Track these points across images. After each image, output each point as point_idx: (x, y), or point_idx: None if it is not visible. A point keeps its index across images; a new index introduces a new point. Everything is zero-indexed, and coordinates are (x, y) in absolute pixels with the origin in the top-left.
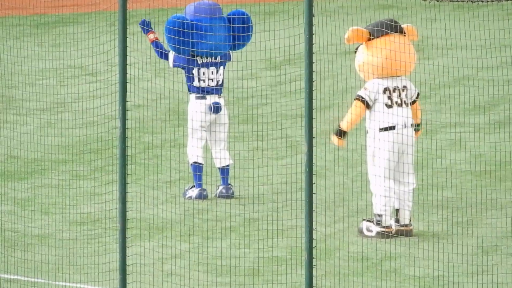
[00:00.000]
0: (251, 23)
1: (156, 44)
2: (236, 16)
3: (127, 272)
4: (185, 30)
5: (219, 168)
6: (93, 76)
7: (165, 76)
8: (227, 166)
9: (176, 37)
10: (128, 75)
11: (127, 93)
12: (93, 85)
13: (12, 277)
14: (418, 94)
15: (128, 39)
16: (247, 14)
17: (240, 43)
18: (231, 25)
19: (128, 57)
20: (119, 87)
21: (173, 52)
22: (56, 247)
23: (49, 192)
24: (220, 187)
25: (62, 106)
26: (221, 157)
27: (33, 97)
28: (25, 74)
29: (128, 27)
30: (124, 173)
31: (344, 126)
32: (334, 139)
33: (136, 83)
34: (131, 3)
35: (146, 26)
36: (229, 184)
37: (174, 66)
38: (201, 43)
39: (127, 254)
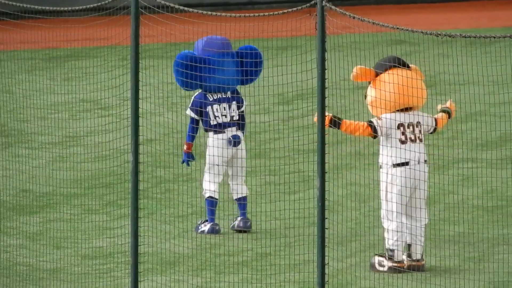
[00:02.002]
0: (261, 58)
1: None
2: (244, 51)
3: None
4: (194, 64)
5: (236, 200)
6: (105, 110)
7: (177, 110)
8: (245, 198)
9: (185, 72)
10: (140, 109)
11: (140, 127)
12: (105, 119)
13: None
14: (435, 129)
15: (140, 74)
16: (256, 49)
17: (249, 78)
18: (240, 59)
19: (140, 92)
20: (132, 121)
21: (189, 111)
22: (68, 281)
23: (61, 226)
24: (238, 219)
25: (75, 140)
26: (238, 190)
27: (45, 131)
28: (37, 107)
29: (140, 61)
30: (136, 207)
31: (343, 126)
32: (327, 118)
33: (149, 117)
34: (144, 37)
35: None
36: (247, 217)
37: (192, 107)
38: (209, 79)
39: None
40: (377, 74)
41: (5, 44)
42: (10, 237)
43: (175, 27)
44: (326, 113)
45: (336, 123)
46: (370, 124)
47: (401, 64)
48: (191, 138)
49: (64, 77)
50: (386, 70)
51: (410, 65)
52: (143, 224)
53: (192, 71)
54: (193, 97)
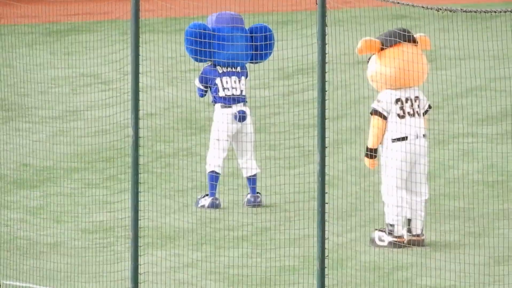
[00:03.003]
0: (273, 39)
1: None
2: (257, 28)
3: (139, 281)
4: (205, 40)
5: (246, 178)
6: (105, 84)
7: (177, 84)
8: (254, 175)
9: (196, 41)
10: (140, 84)
11: (140, 101)
12: (105, 94)
13: (24, 285)
14: (429, 106)
15: (140, 48)
16: (270, 30)
17: (261, 53)
18: (253, 35)
19: (140, 66)
20: (132, 95)
21: (197, 81)
22: (68, 255)
23: (61, 200)
24: (248, 196)
25: (75, 115)
26: (248, 167)
27: (46, 105)
28: (37, 82)
29: (140, 36)
30: (137, 181)
31: (371, 144)
32: (367, 162)
33: (149, 91)
34: (144, 12)
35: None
36: (257, 193)
37: (201, 82)
38: (220, 52)
39: (139, 263)
40: (382, 47)
41: (6, 18)
42: (11, 211)
43: (175, 1)
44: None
45: (371, 155)
46: (376, 112)
47: (409, 39)
48: (201, 94)
49: (65, 51)
50: (391, 46)
51: (419, 35)
52: (143, 198)
53: (203, 43)
54: (203, 68)
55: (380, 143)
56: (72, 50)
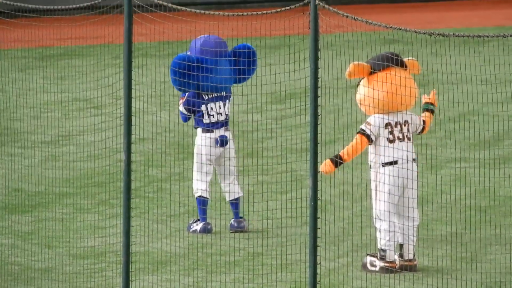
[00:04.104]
0: (256, 57)
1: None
2: (242, 50)
3: None
4: (190, 72)
5: (229, 202)
6: (98, 109)
7: (169, 109)
8: (237, 199)
9: (182, 79)
10: (133, 108)
11: (132, 126)
12: (98, 118)
13: None
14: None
15: (133, 72)
16: (252, 48)
17: (243, 77)
18: (236, 58)
19: (133, 90)
20: (124, 120)
21: (182, 105)
22: (59, 281)
23: (53, 225)
24: (232, 221)
25: (67, 139)
26: (230, 191)
27: (38, 130)
28: (30, 106)
29: (133, 60)
30: (128, 206)
31: (344, 156)
32: (325, 166)
33: (141, 116)
34: (137, 35)
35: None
36: (241, 217)
37: (185, 105)
38: (205, 80)
39: None
40: (371, 71)
41: None
42: (2, 236)
43: (168, 25)
44: (323, 161)
45: (338, 162)
46: (363, 133)
47: (398, 63)
48: (185, 118)
49: (57, 75)
50: (381, 70)
51: (408, 59)
52: (135, 223)
53: (189, 75)
54: (186, 95)
55: (370, 168)
56: (64, 75)
